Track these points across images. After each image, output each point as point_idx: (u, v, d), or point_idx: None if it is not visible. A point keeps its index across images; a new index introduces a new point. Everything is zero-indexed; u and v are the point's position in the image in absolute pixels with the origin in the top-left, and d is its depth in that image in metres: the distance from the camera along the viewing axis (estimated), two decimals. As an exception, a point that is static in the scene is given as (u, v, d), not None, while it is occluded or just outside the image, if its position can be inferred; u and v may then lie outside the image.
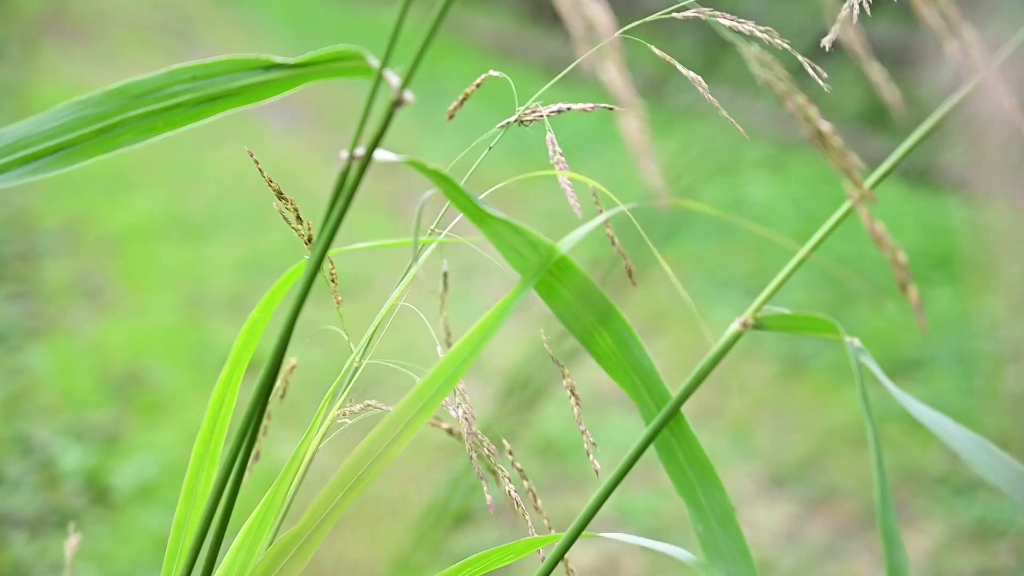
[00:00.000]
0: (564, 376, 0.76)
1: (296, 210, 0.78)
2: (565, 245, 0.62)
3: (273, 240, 5.25)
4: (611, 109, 0.76)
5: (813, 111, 0.55)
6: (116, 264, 4.99)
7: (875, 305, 4.50)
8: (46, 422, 3.60)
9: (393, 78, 0.58)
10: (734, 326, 0.64)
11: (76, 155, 0.61)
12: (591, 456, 0.75)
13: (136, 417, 3.67)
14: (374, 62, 0.59)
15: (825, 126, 0.55)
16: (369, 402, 0.77)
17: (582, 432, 0.75)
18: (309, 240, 0.79)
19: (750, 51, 0.54)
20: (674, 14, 0.72)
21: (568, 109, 0.76)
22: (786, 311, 0.65)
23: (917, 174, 5.75)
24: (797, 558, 2.98)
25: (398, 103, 0.57)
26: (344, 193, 0.60)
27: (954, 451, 0.59)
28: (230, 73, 0.62)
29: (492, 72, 0.74)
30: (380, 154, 0.59)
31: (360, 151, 0.59)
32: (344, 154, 0.59)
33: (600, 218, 0.63)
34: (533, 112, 0.77)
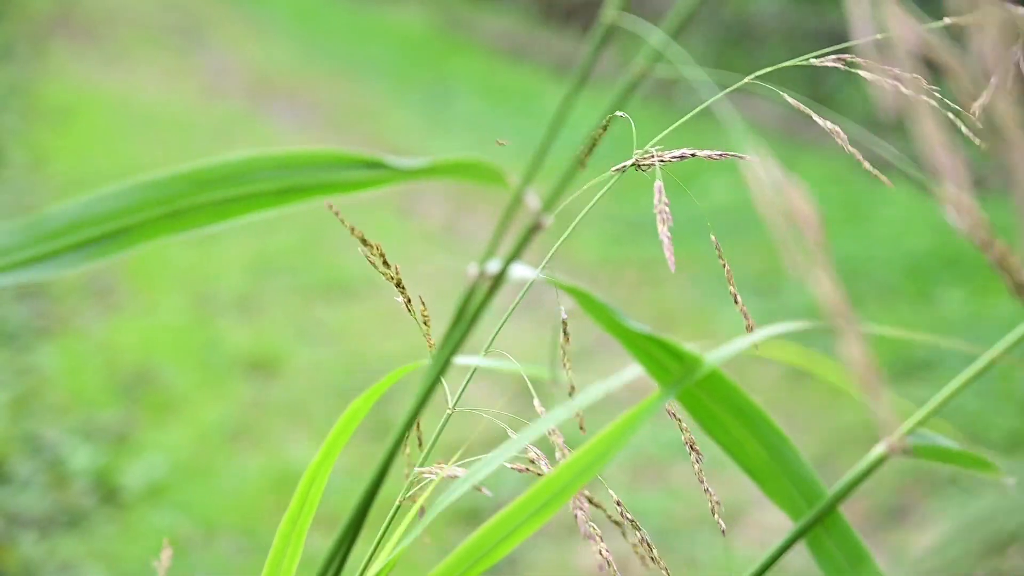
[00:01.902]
0: (682, 431, 0.74)
1: (383, 255, 0.76)
2: (713, 358, 0.58)
3: (282, 240, 5.26)
4: (740, 157, 0.73)
5: (1015, 262, 0.49)
6: (125, 264, 4.99)
7: (884, 305, 4.49)
8: (55, 422, 3.60)
9: (534, 201, 0.53)
10: (879, 449, 0.61)
11: (136, 238, 0.55)
12: (716, 516, 0.73)
13: (145, 417, 3.68)
14: (513, 180, 0.54)
15: None
16: (453, 471, 0.74)
17: (706, 490, 0.73)
18: (398, 284, 0.76)
19: (949, 195, 0.49)
20: (812, 61, 0.68)
21: (692, 155, 0.72)
22: (940, 441, 0.61)
23: (926, 175, 5.72)
24: (807, 559, 2.97)
25: (536, 228, 0.52)
26: (467, 317, 0.55)
27: None
28: (324, 166, 0.55)
29: (618, 113, 0.70)
30: (517, 270, 0.55)
31: (494, 266, 0.54)
32: (473, 269, 0.54)
33: (757, 335, 0.59)
34: (651, 157, 0.72)
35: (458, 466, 0.75)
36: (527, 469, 0.77)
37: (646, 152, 0.73)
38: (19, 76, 8.17)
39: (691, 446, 0.73)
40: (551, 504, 0.63)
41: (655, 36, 0.52)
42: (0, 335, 4.18)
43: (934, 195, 0.50)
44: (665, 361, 0.58)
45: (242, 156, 0.55)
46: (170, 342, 4.22)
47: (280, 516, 0.76)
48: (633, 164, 0.73)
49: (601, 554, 0.73)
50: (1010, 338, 0.62)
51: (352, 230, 0.75)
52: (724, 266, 0.74)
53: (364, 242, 0.75)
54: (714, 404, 0.61)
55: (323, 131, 7.34)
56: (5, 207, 5.55)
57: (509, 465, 0.78)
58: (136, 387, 3.86)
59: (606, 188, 0.77)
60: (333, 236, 5.28)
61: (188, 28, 10.70)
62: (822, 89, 6.74)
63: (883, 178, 0.72)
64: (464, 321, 0.55)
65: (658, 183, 0.69)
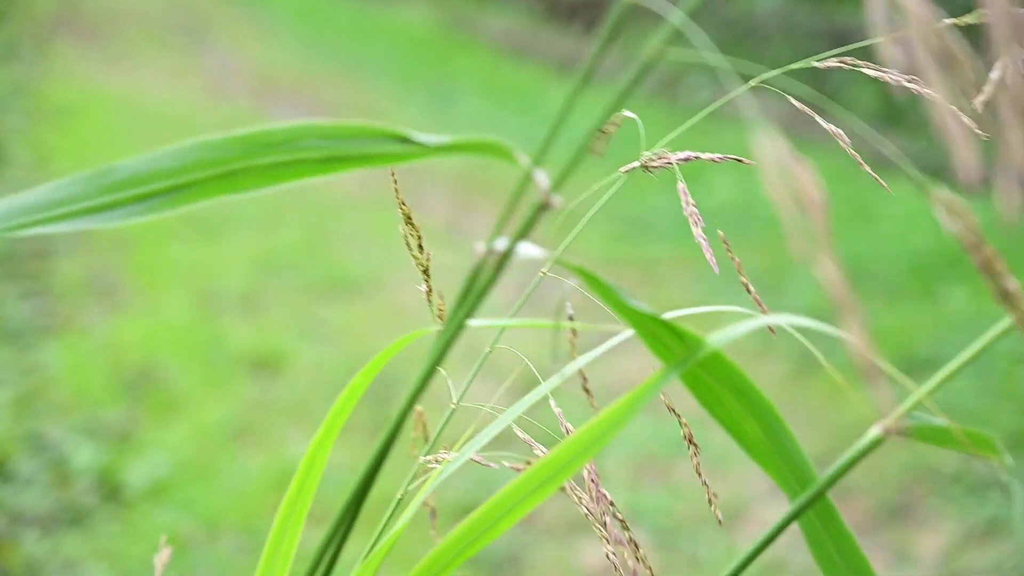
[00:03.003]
0: (682, 425, 0.75)
1: (420, 238, 0.77)
2: (715, 340, 0.59)
3: (287, 238, 5.26)
4: (740, 161, 0.75)
5: (1001, 266, 0.51)
6: (130, 262, 5.00)
7: (888, 303, 4.48)
8: (59, 420, 3.60)
9: (543, 180, 0.55)
10: (875, 430, 0.60)
11: (192, 195, 0.59)
12: (713, 507, 0.74)
13: (148, 415, 3.68)
14: (523, 160, 0.56)
15: (1012, 285, 0.51)
16: (444, 454, 0.75)
17: (703, 483, 0.74)
18: (425, 271, 0.77)
19: (942, 197, 0.51)
20: (814, 63, 0.69)
21: (696, 158, 0.74)
22: (936, 422, 0.61)
23: (931, 172, 5.72)
24: (809, 557, 2.97)
25: (544, 207, 0.54)
26: (474, 293, 0.56)
27: None
28: (362, 138, 0.59)
29: (627, 113, 0.70)
30: (524, 248, 0.57)
31: (501, 244, 0.56)
32: (480, 247, 0.56)
33: (757, 322, 0.60)
34: (660, 159, 0.74)
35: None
36: (527, 464, 0.77)
37: (654, 154, 0.74)
38: (23, 75, 8.17)
39: (690, 440, 0.74)
40: (555, 479, 0.64)
41: (673, 16, 0.53)
42: (4, 333, 4.18)
43: (928, 195, 0.51)
44: (669, 341, 0.60)
45: (290, 124, 0.59)
46: (173, 340, 4.22)
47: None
48: (642, 166, 0.74)
49: (608, 558, 0.73)
50: (1006, 323, 0.63)
51: (402, 204, 0.76)
52: (733, 259, 0.76)
53: (408, 221, 0.76)
54: (715, 384, 0.62)
55: (326, 130, 7.33)
56: (9, 206, 5.54)
57: (508, 464, 0.78)
58: (139, 385, 3.86)
59: (613, 189, 0.77)
60: (337, 235, 5.28)
61: (192, 27, 10.70)
62: (828, 85, 6.74)
63: (882, 182, 0.73)
64: (471, 297, 0.56)
65: (681, 185, 0.72)
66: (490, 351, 0.82)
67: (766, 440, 0.64)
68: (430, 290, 0.78)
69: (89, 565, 2.90)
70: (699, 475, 0.74)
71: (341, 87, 8.59)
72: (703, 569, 2.96)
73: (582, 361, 0.69)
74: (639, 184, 0.73)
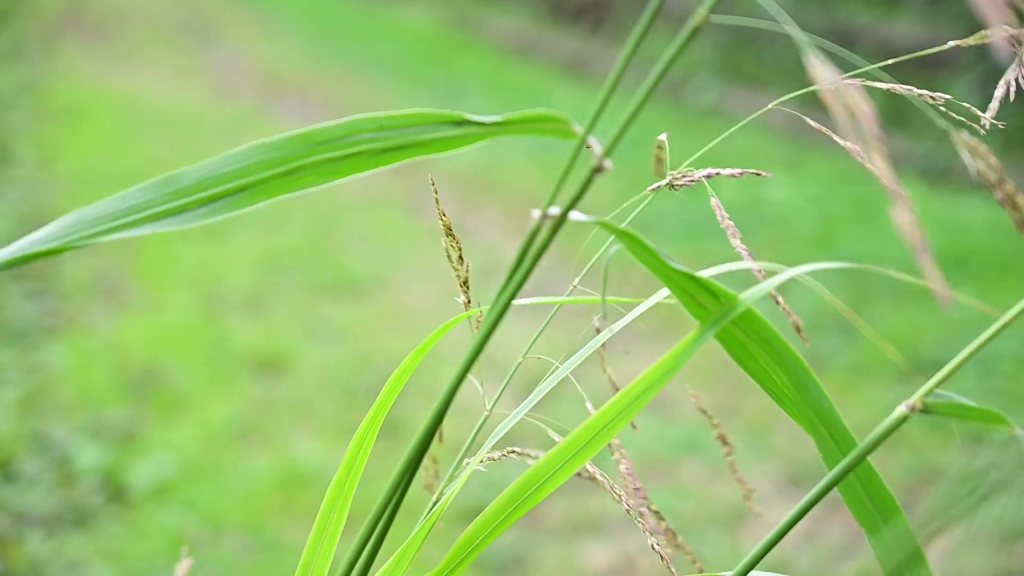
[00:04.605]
0: (715, 427, 0.78)
1: (460, 250, 0.78)
2: (747, 297, 0.63)
3: (291, 238, 5.26)
4: (757, 175, 0.78)
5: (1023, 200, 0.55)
6: (134, 262, 5.00)
7: (893, 304, 4.48)
8: (63, 420, 3.61)
9: (596, 146, 0.58)
10: (901, 409, 0.64)
11: (256, 196, 0.62)
12: (752, 501, 0.78)
13: (153, 415, 3.68)
14: (578, 128, 0.59)
15: None
16: (514, 449, 0.78)
17: (738, 479, 0.77)
18: (464, 283, 0.78)
19: (960, 137, 0.55)
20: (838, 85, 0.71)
21: (717, 174, 0.77)
22: (956, 399, 0.66)
23: (937, 173, 5.72)
24: (815, 558, 2.97)
25: (599, 170, 0.57)
26: (531, 255, 0.59)
27: None
28: (418, 126, 0.61)
29: (662, 136, 0.72)
30: (574, 215, 0.60)
31: (555, 211, 0.59)
32: (536, 213, 0.59)
33: (778, 279, 0.65)
34: (684, 176, 0.77)
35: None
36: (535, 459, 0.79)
37: (680, 172, 0.77)
38: (29, 75, 8.18)
39: (723, 440, 0.77)
40: (596, 441, 0.68)
41: None
42: (8, 333, 4.18)
43: (953, 141, 0.55)
44: (704, 300, 0.64)
45: (346, 120, 0.61)
46: (178, 340, 4.22)
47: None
48: (668, 184, 0.77)
49: (653, 548, 0.76)
50: None
51: (442, 216, 0.78)
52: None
53: (448, 232, 0.77)
54: (746, 338, 0.66)
55: (332, 130, 7.33)
56: (14, 204, 5.55)
57: (517, 456, 0.80)
58: (144, 385, 3.86)
59: (643, 206, 0.80)
60: (341, 234, 5.28)
61: (197, 27, 10.71)
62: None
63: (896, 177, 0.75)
64: (526, 262, 0.59)
65: (714, 200, 0.76)
66: (523, 359, 0.84)
67: (794, 388, 0.67)
68: (468, 301, 0.79)
69: (93, 565, 2.90)
70: (735, 471, 0.78)
71: (346, 87, 8.60)
72: (709, 570, 2.96)
73: (620, 325, 0.73)
74: (642, 185, 0.74)
